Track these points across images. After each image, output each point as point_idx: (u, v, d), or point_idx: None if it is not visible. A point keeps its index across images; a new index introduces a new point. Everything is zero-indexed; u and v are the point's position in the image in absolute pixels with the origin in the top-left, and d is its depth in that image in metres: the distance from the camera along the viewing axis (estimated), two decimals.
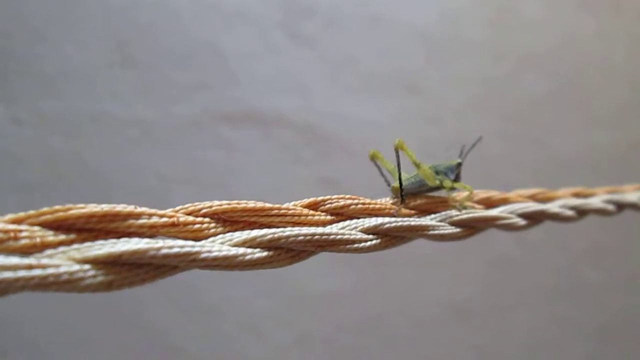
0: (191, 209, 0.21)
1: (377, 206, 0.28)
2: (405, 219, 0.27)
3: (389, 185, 0.33)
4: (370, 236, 0.26)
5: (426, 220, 0.28)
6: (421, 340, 0.98)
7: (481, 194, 0.35)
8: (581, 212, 0.35)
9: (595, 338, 1.09)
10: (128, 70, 0.85)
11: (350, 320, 0.94)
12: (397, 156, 0.31)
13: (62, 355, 0.79)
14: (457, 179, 0.34)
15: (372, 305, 0.95)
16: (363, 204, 0.28)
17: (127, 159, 0.84)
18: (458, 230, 0.29)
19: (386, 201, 0.31)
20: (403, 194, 0.31)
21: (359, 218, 0.27)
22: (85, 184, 0.82)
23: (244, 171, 0.90)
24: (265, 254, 0.21)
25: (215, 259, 0.19)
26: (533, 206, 0.34)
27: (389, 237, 0.27)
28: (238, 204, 0.22)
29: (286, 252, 0.22)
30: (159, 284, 0.81)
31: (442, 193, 0.34)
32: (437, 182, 0.32)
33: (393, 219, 0.27)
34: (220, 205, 0.22)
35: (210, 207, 0.22)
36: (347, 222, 0.26)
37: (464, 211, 0.30)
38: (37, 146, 0.80)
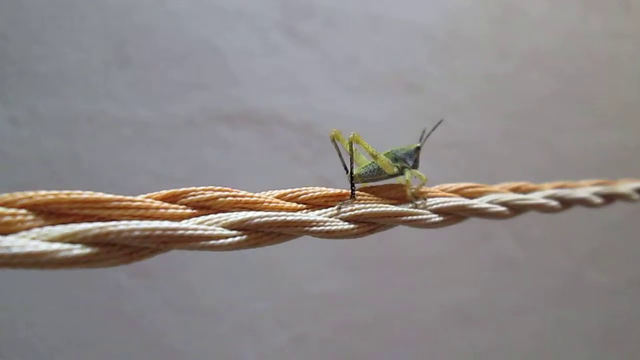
0: (8, 199, 0.19)
1: (253, 199, 0.25)
2: (282, 213, 0.24)
3: (346, 169, 0.33)
4: (234, 232, 0.23)
5: (308, 216, 0.25)
6: (421, 343, 0.96)
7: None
8: (515, 209, 0.32)
9: (600, 342, 1.07)
10: (124, 70, 0.85)
11: (348, 322, 0.92)
12: (351, 150, 0.32)
13: (57, 357, 0.79)
14: (415, 163, 0.35)
15: (371, 307, 0.94)
16: (234, 196, 0.24)
17: (123, 158, 0.84)
18: (351, 226, 0.26)
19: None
20: (355, 183, 0.31)
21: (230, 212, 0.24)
22: (81, 184, 0.82)
23: (241, 171, 0.90)
24: (88, 250, 0.18)
25: (14, 256, 0.17)
26: (453, 201, 0.32)
27: (260, 234, 0.24)
28: (68, 194, 0.20)
29: (119, 250, 0.20)
30: (155, 284, 0.80)
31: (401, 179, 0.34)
32: (395, 169, 0.32)
33: (265, 214, 0.24)
34: (44, 195, 0.20)
35: (31, 197, 0.19)
36: (209, 217, 0.23)
37: (356, 206, 0.27)
38: (33, 146, 0.80)
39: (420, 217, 0.28)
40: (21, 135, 0.80)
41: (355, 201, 0.29)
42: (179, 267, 0.85)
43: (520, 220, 1.09)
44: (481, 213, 0.31)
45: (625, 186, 0.40)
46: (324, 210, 0.26)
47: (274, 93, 0.93)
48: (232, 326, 0.87)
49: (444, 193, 0.33)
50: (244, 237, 0.23)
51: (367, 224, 0.26)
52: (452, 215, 0.30)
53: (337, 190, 0.28)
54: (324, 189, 0.27)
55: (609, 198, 0.37)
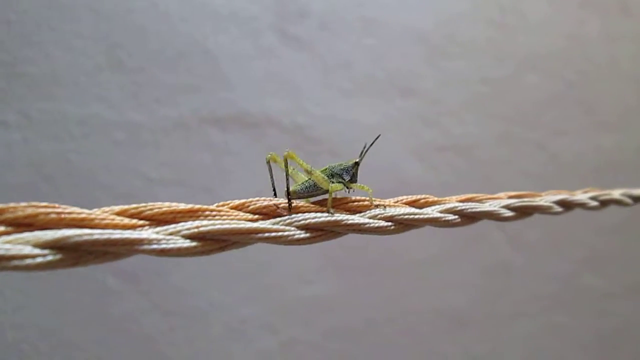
0: None
1: (82, 216, 0.22)
2: (115, 231, 0.23)
3: (275, 190, 0.34)
4: (46, 251, 0.21)
5: (140, 234, 0.23)
6: (412, 348, 0.96)
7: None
8: (404, 224, 0.31)
9: (595, 348, 1.06)
10: (116, 73, 0.85)
11: (338, 326, 0.92)
12: (286, 166, 0.33)
13: None
14: (353, 178, 0.35)
15: (362, 311, 0.94)
16: (59, 213, 0.22)
17: (114, 161, 0.84)
18: (193, 244, 0.24)
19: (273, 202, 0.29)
20: (291, 199, 0.31)
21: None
22: (73, 187, 0.82)
23: (233, 174, 0.90)
24: None
25: None
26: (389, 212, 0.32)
27: (80, 253, 0.22)
28: None
29: None
30: (143, 288, 0.80)
31: (341, 193, 0.35)
32: (331, 184, 0.33)
33: (89, 232, 0.22)
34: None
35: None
36: (23, 235, 0.21)
37: (204, 222, 0.25)
38: (24, 149, 0.80)
39: (280, 234, 0.26)
40: (12, 138, 0.80)
41: (289, 211, 0.30)
42: (168, 271, 0.85)
43: (515, 225, 1.08)
44: (359, 229, 0.30)
45: (546, 199, 0.39)
46: (164, 228, 0.24)
47: (267, 96, 0.93)
48: (221, 330, 0.87)
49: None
50: (59, 256, 0.21)
51: (216, 241, 0.24)
52: (323, 231, 0.29)
53: (196, 206, 0.26)
54: (174, 204, 0.25)
55: (523, 211, 0.36)
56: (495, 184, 1.02)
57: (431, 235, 0.99)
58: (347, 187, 0.35)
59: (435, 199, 0.35)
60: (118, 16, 0.86)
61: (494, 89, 1.04)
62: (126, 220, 0.24)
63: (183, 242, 0.23)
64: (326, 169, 0.36)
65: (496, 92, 1.05)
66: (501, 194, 0.37)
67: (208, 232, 0.24)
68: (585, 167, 1.09)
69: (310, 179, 0.34)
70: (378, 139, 0.36)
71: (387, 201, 0.34)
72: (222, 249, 0.25)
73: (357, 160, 0.36)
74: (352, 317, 0.94)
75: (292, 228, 0.27)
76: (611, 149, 1.10)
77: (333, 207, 0.32)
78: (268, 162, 0.34)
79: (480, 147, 1.02)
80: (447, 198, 0.35)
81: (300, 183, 0.34)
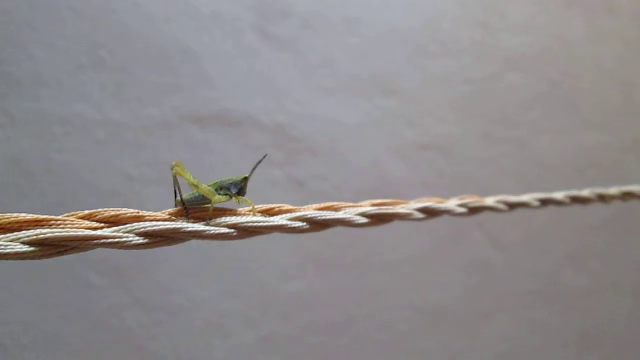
0: None
1: None
2: None
3: (175, 195, 0.37)
4: None
5: None
6: (392, 345, 0.97)
7: (263, 207, 0.37)
8: (247, 231, 0.34)
9: (576, 345, 1.07)
10: (98, 72, 0.86)
11: (318, 322, 0.94)
12: (175, 177, 0.36)
13: (27, 356, 0.81)
14: (241, 192, 0.39)
15: (341, 307, 0.95)
16: None
17: (96, 160, 0.86)
18: (32, 249, 0.27)
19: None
20: (187, 207, 0.35)
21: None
22: (54, 185, 0.84)
23: (214, 172, 0.91)
24: None
25: None
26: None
27: None
28: None
29: None
30: (125, 283, 0.82)
31: (229, 205, 0.38)
32: (218, 196, 0.37)
33: None
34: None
35: None
36: None
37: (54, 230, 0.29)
38: (6, 147, 0.82)
39: (117, 240, 0.29)
40: None
41: (187, 218, 0.34)
42: (149, 266, 0.87)
43: (496, 223, 1.09)
44: (200, 236, 0.32)
45: (408, 206, 0.40)
46: (7, 235, 0.27)
47: (248, 95, 0.94)
48: (201, 325, 0.89)
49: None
50: None
51: (55, 247, 0.27)
52: (163, 237, 0.31)
53: (41, 216, 0.29)
54: (22, 215, 0.28)
55: (380, 218, 0.38)
56: (477, 184, 1.03)
57: (413, 234, 1.00)
58: (237, 200, 0.38)
59: (290, 207, 0.37)
60: (100, 16, 0.87)
61: (477, 88, 1.05)
62: None
63: (22, 248, 0.26)
64: (217, 183, 0.39)
65: (479, 91, 1.05)
66: (365, 202, 0.39)
67: (47, 238, 0.27)
68: (568, 166, 1.09)
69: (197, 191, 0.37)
70: (265, 158, 0.40)
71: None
72: (61, 253, 0.28)
73: (246, 175, 0.39)
74: (332, 313, 0.95)
75: (131, 235, 0.30)
76: (595, 148, 1.11)
77: (214, 217, 0.35)
78: (172, 169, 0.37)
79: (462, 147, 1.03)
80: (303, 207, 0.37)
81: (190, 193, 0.37)
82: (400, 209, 0.39)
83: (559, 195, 0.47)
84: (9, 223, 0.27)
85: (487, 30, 1.06)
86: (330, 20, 0.98)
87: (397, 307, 0.98)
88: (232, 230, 0.34)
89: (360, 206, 0.39)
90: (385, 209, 0.38)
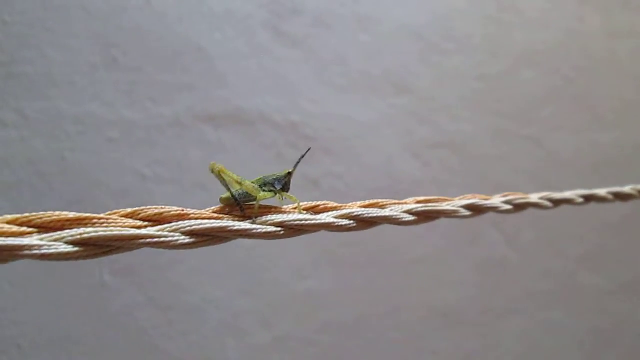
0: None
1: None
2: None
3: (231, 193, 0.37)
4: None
5: (5, 240, 0.25)
6: (406, 344, 0.96)
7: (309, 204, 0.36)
8: (295, 229, 0.33)
9: (591, 345, 1.06)
10: (111, 71, 0.86)
11: (332, 321, 0.93)
12: (221, 177, 0.36)
13: (42, 355, 0.81)
14: (284, 187, 0.38)
15: (356, 307, 0.94)
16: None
17: (108, 159, 0.85)
18: (76, 249, 0.26)
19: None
20: (239, 202, 0.35)
21: None
22: (68, 184, 0.83)
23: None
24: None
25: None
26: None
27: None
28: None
29: None
30: (139, 283, 0.82)
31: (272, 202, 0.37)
32: (262, 193, 0.36)
33: None
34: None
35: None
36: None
37: (89, 229, 0.27)
38: (20, 147, 0.82)
39: (163, 239, 0.28)
40: (9, 136, 0.82)
41: (243, 212, 0.34)
42: (164, 265, 0.86)
43: (512, 223, 1.08)
44: (247, 235, 0.31)
45: (454, 203, 0.39)
46: (50, 234, 0.26)
47: (261, 93, 0.93)
48: (215, 324, 0.88)
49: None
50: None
51: (99, 247, 0.26)
52: (209, 236, 0.30)
53: (84, 215, 0.28)
54: (64, 213, 0.27)
55: (426, 215, 0.37)
56: (490, 181, 1.02)
57: (427, 233, 0.99)
58: (280, 197, 0.37)
59: (335, 205, 0.36)
60: (112, 15, 0.87)
61: (489, 85, 1.04)
62: (15, 229, 0.25)
63: (65, 248, 0.25)
64: (260, 179, 0.38)
65: (492, 88, 1.04)
66: (409, 199, 0.38)
67: (91, 238, 0.26)
68: (582, 163, 1.08)
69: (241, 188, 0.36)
70: (309, 151, 0.39)
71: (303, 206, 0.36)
72: (105, 253, 0.27)
73: (290, 170, 0.38)
74: (346, 313, 0.94)
75: (177, 234, 0.29)
76: (609, 145, 1.10)
77: (259, 214, 0.34)
78: (212, 172, 0.37)
79: (475, 144, 1.02)
80: (348, 204, 0.36)
81: (234, 190, 0.36)
82: (446, 206, 0.38)
83: (602, 191, 0.46)
84: (51, 221, 0.26)
85: (500, 26, 1.05)
86: (342, 18, 0.97)
87: (411, 307, 0.98)
88: (279, 229, 0.32)
89: (405, 203, 0.38)
90: (432, 206, 0.37)
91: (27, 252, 0.24)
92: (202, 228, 0.30)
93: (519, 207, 0.42)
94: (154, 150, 0.88)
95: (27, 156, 0.82)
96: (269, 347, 0.90)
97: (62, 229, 0.26)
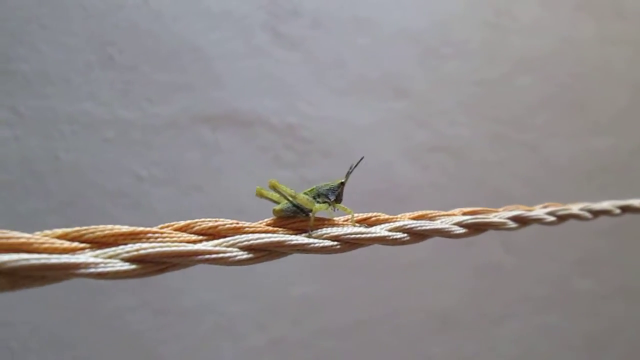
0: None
1: (20, 240, 0.24)
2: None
3: (296, 207, 0.35)
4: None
5: (60, 258, 0.24)
6: (402, 349, 0.96)
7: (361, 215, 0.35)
8: (350, 243, 0.32)
9: (584, 349, 1.06)
10: (107, 70, 0.85)
11: (328, 325, 0.92)
12: (277, 190, 0.34)
13: (33, 357, 0.79)
14: (338, 197, 0.37)
15: (352, 311, 0.94)
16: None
17: (104, 159, 0.84)
18: (133, 267, 0.25)
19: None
20: (304, 210, 0.34)
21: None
22: (62, 184, 0.82)
23: (224, 172, 0.90)
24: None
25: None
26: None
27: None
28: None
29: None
30: (134, 287, 0.80)
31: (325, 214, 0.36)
32: (317, 205, 0.35)
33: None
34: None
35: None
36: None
37: (144, 245, 0.26)
38: (14, 146, 0.80)
39: (221, 255, 0.26)
40: (3, 135, 0.80)
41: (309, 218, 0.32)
42: None
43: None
44: (304, 249, 0.30)
45: (501, 215, 0.39)
46: (104, 251, 0.25)
47: (258, 95, 0.92)
48: (210, 328, 0.87)
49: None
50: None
51: (155, 264, 0.24)
52: (267, 251, 0.29)
53: (138, 228, 0.26)
54: (117, 227, 0.26)
55: (476, 227, 0.37)
56: (486, 186, 1.02)
57: None
58: (332, 208, 0.36)
59: (387, 217, 0.35)
60: (109, 14, 0.86)
61: (487, 90, 1.04)
62: (66, 244, 0.24)
63: (122, 265, 0.24)
64: (313, 189, 0.37)
65: (489, 93, 1.05)
66: (456, 210, 0.38)
67: (147, 254, 0.24)
68: (577, 169, 1.09)
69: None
70: (362, 160, 0.37)
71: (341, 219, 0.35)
72: (161, 271, 0.25)
73: (342, 180, 0.37)
74: (342, 317, 0.94)
75: (235, 249, 0.27)
76: (604, 151, 1.10)
77: (316, 226, 0.32)
78: (261, 196, 0.36)
79: (472, 149, 1.02)
80: (399, 216, 0.35)
81: (284, 203, 0.35)
82: (493, 218, 0.38)
83: (637, 202, 0.46)
84: (104, 236, 0.25)
85: (497, 32, 1.06)
86: (340, 20, 0.97)
87: (407, 311, 0.97)
88: (335, 243, 0.31)
89: (453, 214, 0.37)
90: (481, 218, 0.36)
91: (82, 270, 0.23)
92: (260, 243, 0.29)
93: (562, 219, 0.42)
94: (150, 150, 0.86)
95: (20, 155, 0.81)
96: (265, 350, 0.89)
97: (115, 243, 0.25)
